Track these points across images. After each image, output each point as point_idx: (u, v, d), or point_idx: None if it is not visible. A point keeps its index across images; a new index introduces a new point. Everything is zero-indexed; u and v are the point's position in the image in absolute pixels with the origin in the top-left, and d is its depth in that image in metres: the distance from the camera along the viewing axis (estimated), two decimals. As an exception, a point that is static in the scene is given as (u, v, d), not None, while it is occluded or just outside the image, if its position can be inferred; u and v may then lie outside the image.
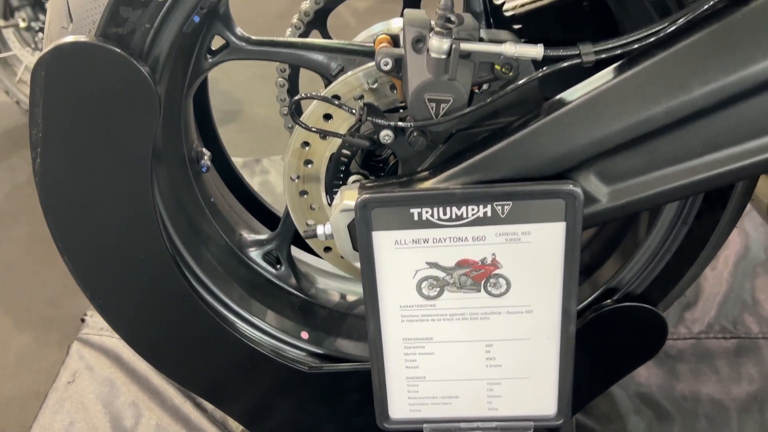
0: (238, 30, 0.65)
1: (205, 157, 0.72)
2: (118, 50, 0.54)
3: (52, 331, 1.25)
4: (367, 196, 0.55)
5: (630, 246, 0.71)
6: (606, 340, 0.73)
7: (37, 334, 1.27)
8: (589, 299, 0.73)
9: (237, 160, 1.44)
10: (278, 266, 0.78)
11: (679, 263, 0.70)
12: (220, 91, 1.96)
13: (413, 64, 0.54)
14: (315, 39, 0.68)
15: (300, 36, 0.77)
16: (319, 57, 0.65)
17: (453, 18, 0.50)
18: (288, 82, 0.75)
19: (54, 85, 0.55)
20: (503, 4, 0.78)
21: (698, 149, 0.54)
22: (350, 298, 0.82)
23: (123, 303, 0.67)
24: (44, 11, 1.99)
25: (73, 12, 0.55)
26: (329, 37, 0.78)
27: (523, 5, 0.80)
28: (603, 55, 0.52)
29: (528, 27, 0.79)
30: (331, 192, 0.65)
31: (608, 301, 0.72)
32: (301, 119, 0.62)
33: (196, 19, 0.57)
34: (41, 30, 1.99)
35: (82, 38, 0.54)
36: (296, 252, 0.81)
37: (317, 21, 0.76)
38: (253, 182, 1.32)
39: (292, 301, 0.78)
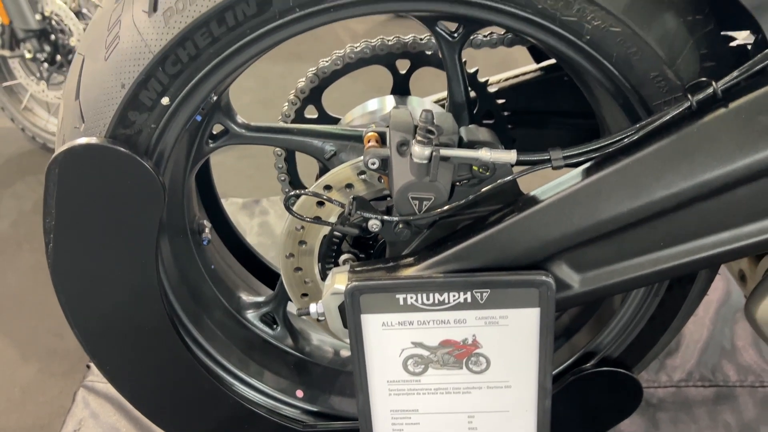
0: (238, 118, 0.70)
1: (206, 230, 0.76)
2: (126, 150, 0.59)
3: (57, 363, 1.29)
4: (356, 283, 0.60)
5: (606, 314, 0.76)
6: (584, 400, 0.77)
7: (42, 365, 1.31)
8: (569, 362, 0.78)
9: (236, 201, 1.49)
10: (275, 326, 0.83)
11: (652, 331, 0.74)
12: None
13: (398, 166, 0.58)
14: (309, 125, 0.73)
15: (296, 110, 0.82)
16: (313, 142, 0.70)
17: (433, 129, 0.55)
18: (285, 152, 0.81)
19: (67, 181, 0.60)
20: (487, 81, 0.83)
21: (661, 243, 0.59)
22: (344, 353, 0.86)
23: (128, 370, 0.72)
24: (49, 43, 2.04)
25: (85, 114, 0.60)
26: (324, 111, 0.83)
27: (506, 79, 0.85)
28: (571, 161, 0.57)
29: (512, 100, 0.84)
30: (324, 269, 0.70)
31: (587, 364, 0.77)
32: (298, 201, 0.67)
33: (198, 118, 0.62)
34: (46, 60, 2.04)
35: (94, 140, 0.59)
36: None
37: (312, 97, 0.81)
38: (253, 223, 1.37)
39: (288, 359, 0.83)
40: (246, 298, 0.83)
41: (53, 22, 2.01)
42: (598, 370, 0.75)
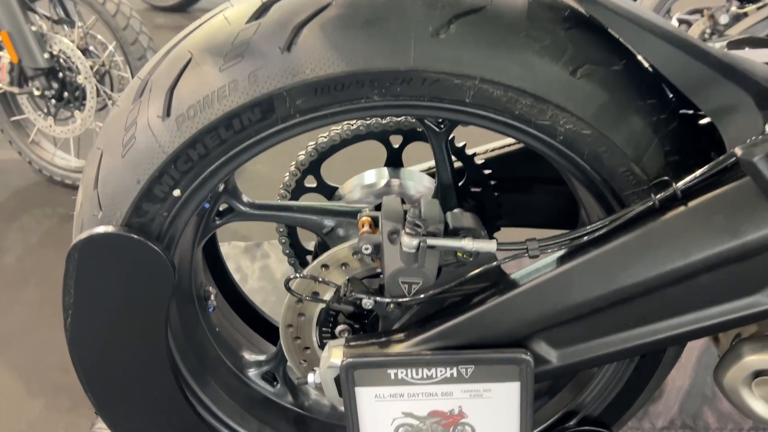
0: (243, 197, 0.76)
1: (212, 297, 0.82)
2: (139, 237, 0.65)
3: (63, 398, 1.34)
4: (351, 360, 0.65)
5: (586, 377, 0.81)
6: (567, 457, 0.83)
7: (48, 400, 1.35)
8: (552, 420, 0.83)
9: (239, 244, 1.54)
10: (275, 384, 0.88)
11: (629, 393, 0.80)
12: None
13: (389, 253, 0.64)
14: (307, 203, 0.78)
15: (297, 180, 0.88)
16: (312, 218, 0.76)
17: (420, 223, 0.61)
18: (286, 228, 0.87)
19: (85, 265, 0.66)
20: (474, 153, 0.89)
21: (630, 323, 0.64)
22: (341, 407, 0.91)
23: (137, 429, 0.77)
24: (56, 80, 2.10)
25: (103, 203, 0.65)
26: (322, 181, 0.89)
27: (492, 150, 0.91)
28: (547, 250, 0.63)
29: (497, 169, 0.90)
30: (321, 337, 0.75)
31: (569, 423, 0.82)
32: (296, 275, 0.72)
33: (206, 205, 0.68)
34: (53, 97, 2.10)
35: (111, 229, 0.65)
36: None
37: (311, 169, 0.87)
38: (254, 267, 1.42)
39: (288, 415, 0.88)
40: (248, 356, 0.88)
41: (61, 61, 2.07)
42: (580, 429, 0.80)
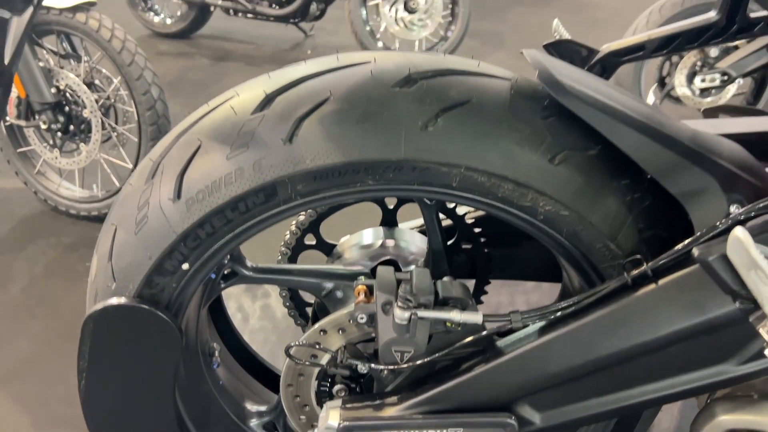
0: (247, 262, 0.81)
1: (216, 353, 0.87)
2: (150, 308, 0.70)
3: (67, 431, 1.38)
4: (347, 423, 0.70)
5: None
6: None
7: (53, 433, 1.39)
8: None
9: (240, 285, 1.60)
10: (276, 433, 0.93)
11: (612, 446, 0.84)
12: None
13: (382, 323, 0.69)
14: (307, 266, 0.84)
15: (297, 239, 0.93)
16: (311, 281, 0.81)
17: (410, 298, 0.66)
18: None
19: (100, 334, 0.71)
20: (465, 213, 0.94)
21: (608, 388, 0.69)
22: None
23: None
24: (63, 114, 2.16)
25: (117, 275, 0.71)
26: (322, 239, 0.95)
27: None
28: (529, 322, 0.68)
29: (487, 227, 0.96)
30: (319, 396, 0.80)
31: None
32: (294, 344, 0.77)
33: (213, 275, 0.73)
34: (59, 130, 2.16)
35: (123, 300, 0.70)
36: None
37: (311, 228, 0.93)
38: (255, 307, 1.47)
39: (288, 463, 0.92)
40: (250, 407, 0.93)
41: (67, 95, 2.13)
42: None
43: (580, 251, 0.70)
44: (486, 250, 0.95)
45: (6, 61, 0.67)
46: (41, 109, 2.15)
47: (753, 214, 0.63)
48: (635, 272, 0.65)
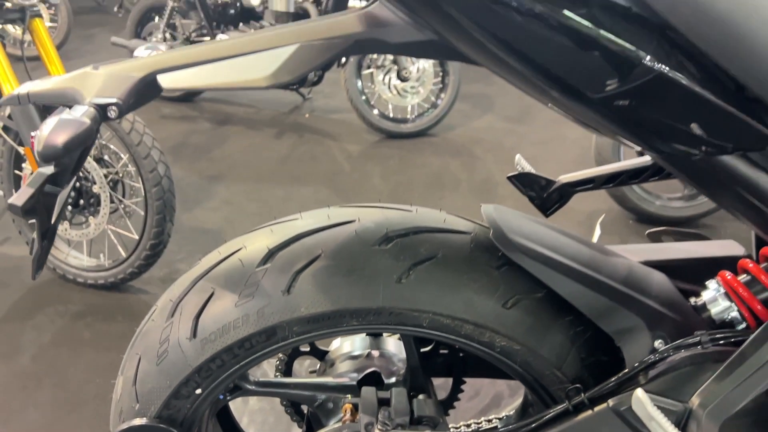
0: (250, 377, 0.95)
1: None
2: (168, 427, 0.83)
3: None
4: None
5: None
6: None
7: (60, 504, 1.49)
8: None
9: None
10: None
11: None
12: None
13: (366, 442, 0.83)
14: (303, 379, 0.97)
15: (292, 350, 1.07)
16: (306, 393, 0.95)
17: (389, 422, 0.80)
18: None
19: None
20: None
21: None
22: None
23: None
24: (74, 189, 2.30)
25: (140, 398, 0.84)
26: (315, 347, 1.08)
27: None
28: (489, 440, 0.81)
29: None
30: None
31: None
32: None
33: (221, 396, 0.87)
34: (70, 204, 2.29)
35: (145, 421, 0.83)
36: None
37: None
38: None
39: None
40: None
41: (79, 172, 2.28)
42: None
43: (533, 377, 0.84)
44: (461, 354, 1.08)
45: (52, 221, 0.81)
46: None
47: (669, 353, 0.77)
48: (575, 400, 0.79)
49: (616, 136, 0.68)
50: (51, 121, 0.67)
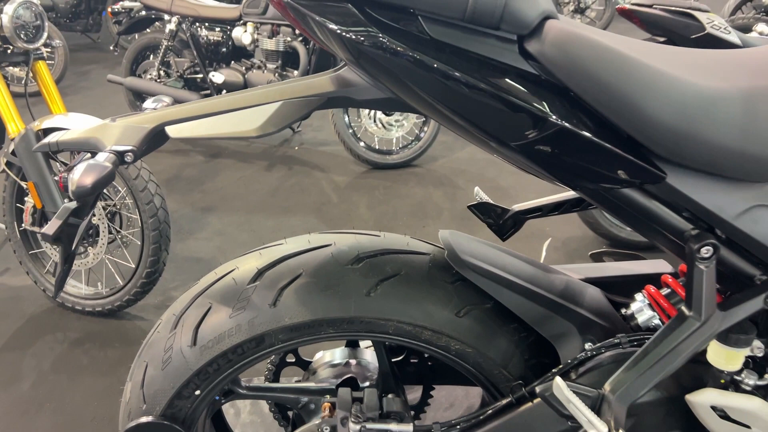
0: (242, 382, 1.10)
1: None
2: (171, 424, 0.97)
3: None
4: None
5: None
6: None
7: None
8: None
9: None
10: None
11: None
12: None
13: (341, 433, 0.97)
14: (288, 384, 1.12)
15: (280, 358, 1.22)
16: (291, 396, 1.09)
17: (360, 415, 0.94)
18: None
19: None
20: (412, 337, 1.23)
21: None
22: None
23: None
24: (74, 221, 2.46)
25: (147, 399, 0.99)
26: (300, 357, 1.23)
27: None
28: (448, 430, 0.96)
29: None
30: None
31: None
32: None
33: (217, 398, 1.01)
34: (70, 236, 2.45)
35: (151, 419, 0.98)
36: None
37: (290, 350, 1.21)
38: (246, 402, 1.72)
39: None
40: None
41: (78, 205, 2.42)
42: None
43: (483, 375, 0.99)
44: (429, 363, 1.23)
45: (73, 247, 0.97)
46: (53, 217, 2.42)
47: (595, 353, 0.93)
48: (518, 394, 0.95)
49: (540, 174, 0.85)
50: (80, 167, 0.83)
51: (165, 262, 2.42)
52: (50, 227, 0.88)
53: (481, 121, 0.77)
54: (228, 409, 1.73)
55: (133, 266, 2.42)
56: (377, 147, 3.76)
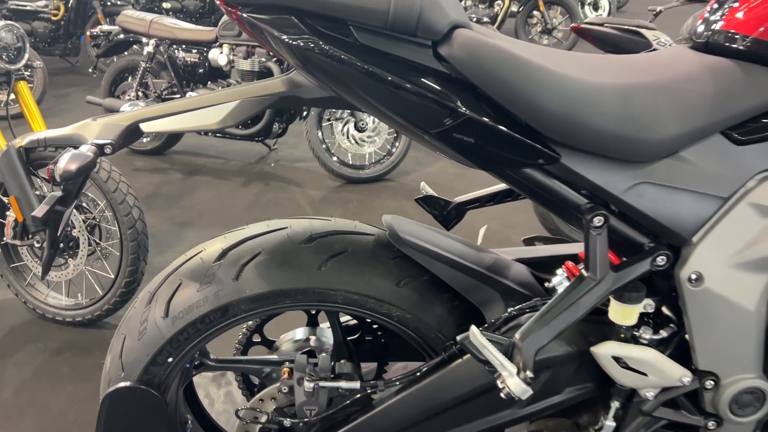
0: (211, 355, 1.24)
1: (189, 422, 1.27)
2: (147, 388, 1.11)
3: None
4: (276, 460, 1.11)
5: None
6: None
7: None
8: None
9: (207, 374, 1.98)
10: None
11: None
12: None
13: (298, 391, 1.12)
14: (253, 357, 1.26)
15: (246, 338, 1.36)
16: (256, 367, 1.24)
17: (313, 374, 1.09)
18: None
19: (113, 407, 1.11)
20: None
21: (452, 424, 1.11)
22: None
23: None
24: (61, 240, 2.56)
25: (125, 367, 1.13)
26: (265, 337, 1.38)
27: (379, 312, 1.41)
28: (390, 387, 1.11)
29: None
30: (260, 445, 1.21)
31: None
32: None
33: (188, 365, 1.16)
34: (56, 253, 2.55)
35: (129, 383, 1.11)
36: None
37: (257, 329, 1.36)
38: (219, 393, 1.86)
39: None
40: (213, 463, 1.32)
41: (59, 218, 2.54)
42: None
43: (422, 339, 1.15)
44: (383, 341, 1.38)
45: (58, 233, 1.12)
46: (35, 231, 2.52)
47: (516, 313, 1.09)
48: (450, 352, 1.10)
49: (461, 160, 1.02)
50: (66, 155, 0.98)
51: (143, 272, 2.54)
52: (39, 210, 1.03)
53: (405, 113, 0.94)
54: (203, 399, 1.86)
55: (112, 276, 2.53)
56: (351, 162, 3.94)
